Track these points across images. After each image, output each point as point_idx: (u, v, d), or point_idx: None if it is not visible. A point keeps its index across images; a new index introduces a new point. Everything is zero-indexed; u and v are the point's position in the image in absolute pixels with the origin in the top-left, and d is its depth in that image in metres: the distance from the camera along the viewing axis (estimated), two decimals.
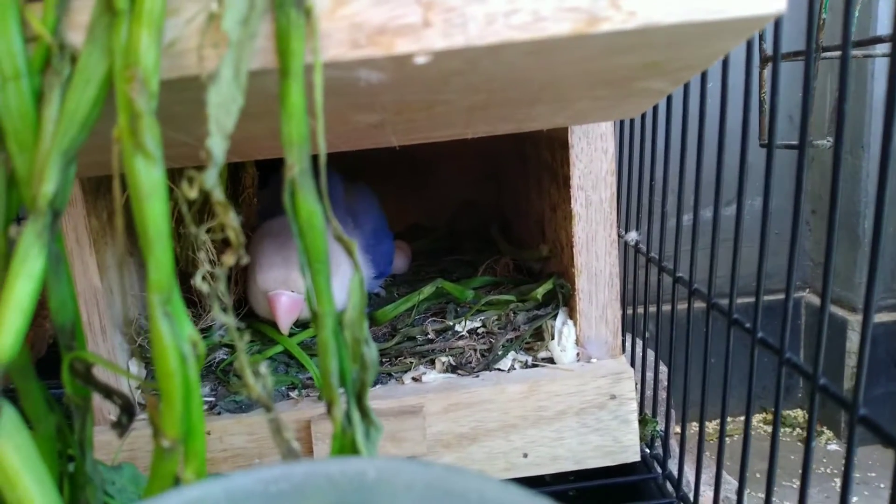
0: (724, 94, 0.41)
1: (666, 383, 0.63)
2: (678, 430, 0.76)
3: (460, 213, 0.88)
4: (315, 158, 0.23)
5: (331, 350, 0.23)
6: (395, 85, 0.26)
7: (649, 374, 0.59)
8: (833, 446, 1.18)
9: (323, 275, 0.23)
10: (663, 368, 0.61)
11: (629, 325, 0.61)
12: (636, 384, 0.50)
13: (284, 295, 0.50)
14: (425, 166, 0.89)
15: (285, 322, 0.50)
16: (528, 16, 0.23)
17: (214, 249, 0.44)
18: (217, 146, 0.21)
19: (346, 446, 0.24)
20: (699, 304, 0.45)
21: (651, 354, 0.59)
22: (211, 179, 0.21)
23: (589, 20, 0.23)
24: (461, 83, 0.27)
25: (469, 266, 0.69)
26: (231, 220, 0.22)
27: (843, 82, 0.30)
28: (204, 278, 0.22)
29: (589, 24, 0.23)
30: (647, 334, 0.59)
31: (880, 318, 1.19)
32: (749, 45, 0.39)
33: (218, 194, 0.22)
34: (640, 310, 0.58)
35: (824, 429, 1.22)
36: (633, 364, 0.57)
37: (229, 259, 0.23)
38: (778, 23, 0.35)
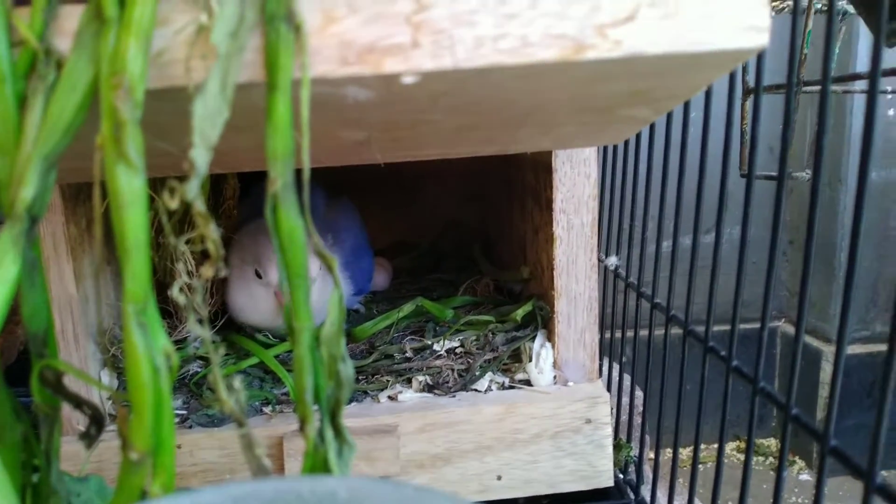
0: (706, 124, 0.41)
1: (641, 408, 0.63)
2: (652, 455, 0.76)
3: (445, 231, 0.88)
4: (298, 173, 0.23)
5: (307, 366, 0.23)
6: (382, 103, 0.26)
7: (625, 399, 0.59)
8: (805, 476, 1.18)
9: (302, 290, 0.23)
10: (639, 393, 0.62)
11: (606, 350, 0.61)
12: (612, 409, 0.50)
13: None
14: (412, 184, 0.89)
15: None
16: (516, 41, 0.23)
17: (193, 261, 0.43)
18: (200, 157, 0.21)
19: (318, 464, 0.24)
20: (676, 331, 0.46)
21: (627, 379, 0.59)
22: (192, 190, 0.21)
23: (576, 47, 0.23)
24: (448, 104, 0.28)
25: (450, 285, 0.69)
26: (211, 232, 0.22)
27: (822, 116, 0.31)
28: (181, 290, 0.22)
29: (575, 52, 0.23)
30: (623, 359, 0.59)
31: (854, 349, 1.21)
32: (732, 76, 0.40)
33: (199, 205, 0.22)
34: (618, 334, 0.58)
35: (796, 458, 1.23)
36: (609, 388, 0.57)
37: (208, 271, 0.22)
38: (761, 56, 0.36)
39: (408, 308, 0.55)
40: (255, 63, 0.23)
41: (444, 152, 0.40)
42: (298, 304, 0.23)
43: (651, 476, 0.50)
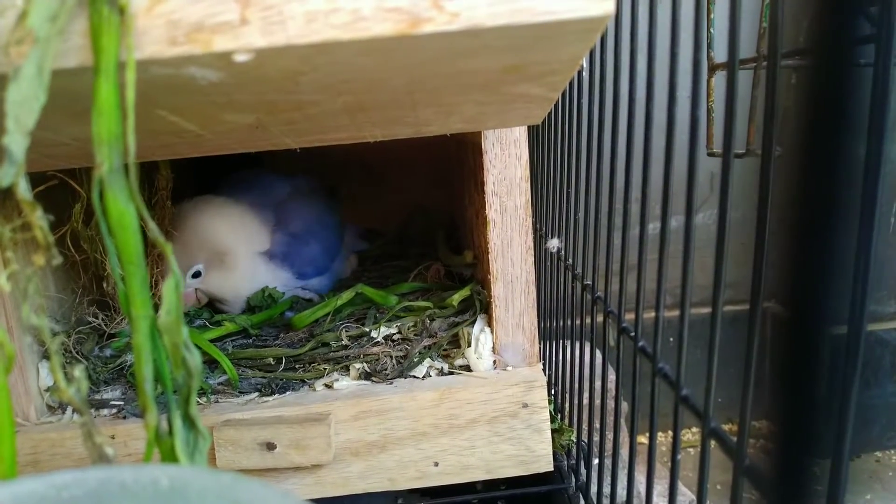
0: (671, 100, 0.38)
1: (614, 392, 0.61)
2: (645, 440, 0.74)
3: (412, 218, 0.87)
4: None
5: (145, 356, 0.23)
6: (240, 83, 0.26)
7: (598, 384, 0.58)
8: None
9: (137, 277, 0.22)
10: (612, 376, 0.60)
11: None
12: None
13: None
14: (381, 171, 0.89)
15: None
16: (348, 15, 0.22)
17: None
18: (16, 144, 0.21)
19: (165, 454, 0.24)
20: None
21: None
22: (7, 177, 0.21)
23: (411, 21, 0.22)
24: (313, 83, 0.27)
25: (408, 272, 0.68)
26: (38, 219, 0.22)
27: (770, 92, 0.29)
28: (9, 278, 0.22)
29: (412, 25, 0.22)
30: (605, 344, 0.57)
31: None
32: (697, 52, 0.37)
33: (22, 192, 0.21)
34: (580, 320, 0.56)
35: None
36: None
37: (39, 259, 0.22)
38: (733, 31, 0.34)
39: (347, 295, 0.54)
40: (84, 47, 0.22)
41: (355, 135, 0.40)
42: (134, 292, 0.22)
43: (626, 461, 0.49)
